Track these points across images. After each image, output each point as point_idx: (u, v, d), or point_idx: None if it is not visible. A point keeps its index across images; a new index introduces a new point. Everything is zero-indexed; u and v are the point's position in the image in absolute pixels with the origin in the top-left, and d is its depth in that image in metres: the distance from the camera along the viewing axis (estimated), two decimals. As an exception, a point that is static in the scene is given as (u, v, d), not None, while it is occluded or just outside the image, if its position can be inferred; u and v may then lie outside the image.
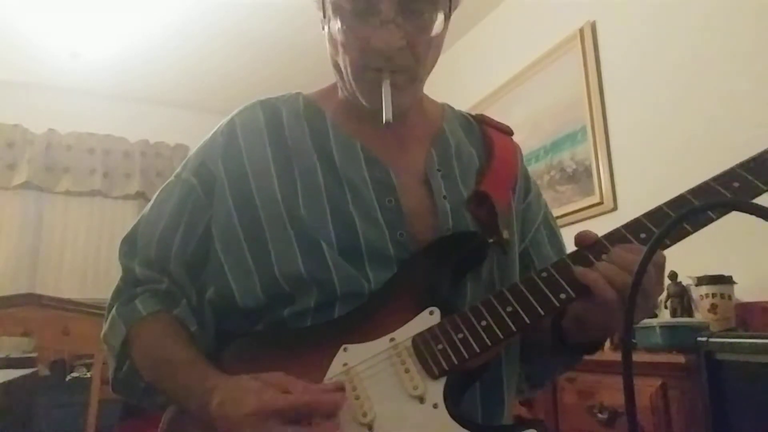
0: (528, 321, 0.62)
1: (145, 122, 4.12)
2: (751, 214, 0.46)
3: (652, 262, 0.61)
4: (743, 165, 0.67)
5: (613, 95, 2.29)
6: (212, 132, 0.83)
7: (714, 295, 1.59)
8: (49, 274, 3.73)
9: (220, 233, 0.75)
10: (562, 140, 2.53)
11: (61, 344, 2.96)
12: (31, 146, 3.80)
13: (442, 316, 0.65)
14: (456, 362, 0.62)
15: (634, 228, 0.66)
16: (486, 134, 0.86)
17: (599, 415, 1.50)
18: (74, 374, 2.82)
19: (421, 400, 0.61)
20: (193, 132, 4.06)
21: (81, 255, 3.83)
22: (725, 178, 0.67)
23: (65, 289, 3.60)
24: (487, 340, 0.62)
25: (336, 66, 0.77)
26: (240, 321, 0.73)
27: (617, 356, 1.26)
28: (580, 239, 0.66)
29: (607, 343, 1.79)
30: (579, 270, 0.63)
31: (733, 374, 1.19)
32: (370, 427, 0.60)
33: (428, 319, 0.66)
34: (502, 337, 0.62)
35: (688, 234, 0.65)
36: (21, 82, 3.77)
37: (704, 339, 1.26)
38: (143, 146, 4.13)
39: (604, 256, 0.63)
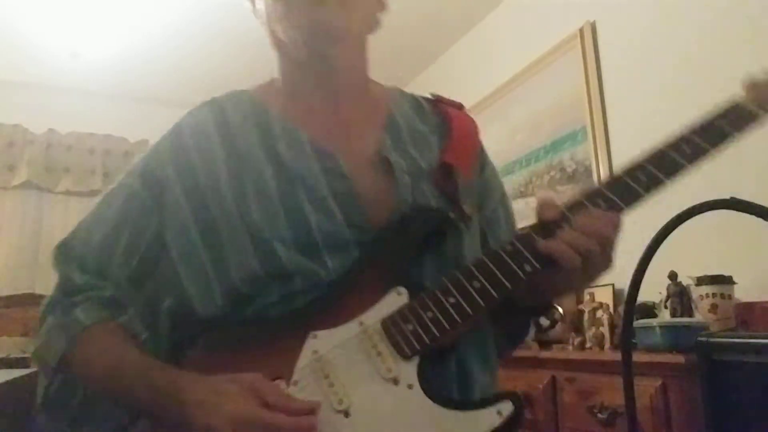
0: (496, 296, 0.63)
1: (145, 122, 4.11)
2: (751, 213, 0.46)
3: (613, 224, 0.65)
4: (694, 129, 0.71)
5: (613, 95, 2.29)
6: (159, 139, 0.81)
7: (714, 295, 1.59)
8: (49, 274, 3.65)
9: (176, 241, 0.73)
10: (562, 140, 2.53)
11: (61, 344, 2.96)
12: (31, 146, 3.80)
13: (410, 295, 0.65)
14: (427, 341, 0.62)
15: (592, 195, 0.67)
16: (442, 111, 0.85)
17: (599, 415, 1.50)
18: (74, 374, 2.82)
19: (395, 381, 0.61)
20: (193, 132, 4.08)
21: (81, 255, 3.83)
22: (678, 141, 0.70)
23: (65, 289, 3.60)
24: (457, 317, 0.62)
25: (275, 37, 0.77)
26: (200, 328, 0.71)
27: (617, 356, 1.26)
28: (541, 212, 0.67)
29: (607, 343, 1.80)
30: (543, 243, 0.64)
31: (733, 374, 1.19)
32: (346, 413, 0.60)
33: (396, 299, 0.65)
34: (471, 313, 0.63)
35: (641, 197, 0.67)
36: (21, 82, 3.77)
37: (704, 339, 1.26)
38: (143, 146, 4.12)
39: (564, 224, 0.64)
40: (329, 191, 0.71)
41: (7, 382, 1.57)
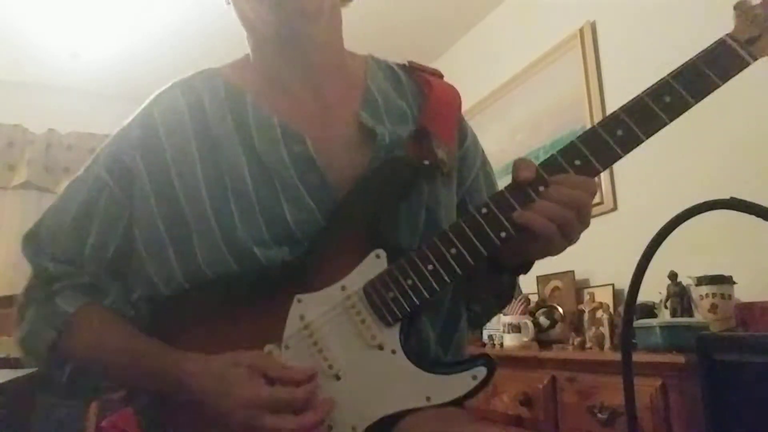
0: (472, 262, 0.64)
1: (145, 122, 4.12)
2: (751, 213, 0.46)
3: (590, 191, 0.64)
4: (675, 77, 0.66)
5: (613, 95, 2.29)
6: (127, 122, 0.78)
7: (714, 295, 1.59)
8: (49, 274, 3.73)
9: (142, 232, 0.72)
10: (562, 140, 2.52)
11: (61, 344, 2.95)
12: (31, 146, 3.80)
13: (389, 259, 0.66)
14: (408, 309, 0.65)
15: (569, 153, 0.64)
16: (419, 78, 0.83)
17: (599, 415, 1.50)
18: (74, 374, 2.82)
19: (380, 347, 0.65)
20: (193, 132, 4.08)
21: (81, 255, 3.82)
22: (657, 92, 0.66)
23: (65, 289, 3.60)
24: (435, 285, 0.64)
25: (245, 17, 0.75)
26: (177, 303, 0.71)
27: (617, 356, 1.26)
28: (517, 172, 0.65)
29: (607, 343, 1.79)
30: (518, 214, 0.63)
31: (733, 374, 1.19)
32: (337, 377, 0.65)
33: (376, 263, 0.66)
34: (448, 280, 0.64)
35: (618, 157, 0.65)
36: (21, 82, 3.77)
37: (704, 339, 1.26)
38: (143, 146, 4.13)
39: (541, 188, 0.63)
40: (302, 184, 0.70)
41: (7, 382, 1.57)
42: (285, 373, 0.62)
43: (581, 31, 2.44)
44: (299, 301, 0.67)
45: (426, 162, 0.71)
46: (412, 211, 0.72)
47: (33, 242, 0.78)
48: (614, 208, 2.20)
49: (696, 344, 1.26)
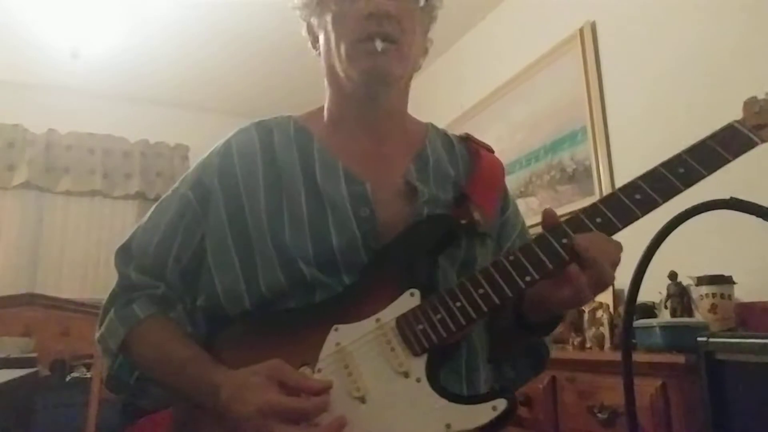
0: (497, 301, 0.68)
1: (145, 122, 4.12)
2: (751, 213, 0.46)
3: (611, 262, 0.69)
4: (688, 152, 0.74)
5: (613, 95, 2.29)
6: (209, 151, 0.89)
7: (714, 295, 1.59)
8: (49, 274, 3.73)
9: (213, 245, 0.81)
10: (562, 140, 2.53)
11: (61, 344, 2.97)
12: (31, 146, 3.80)
13: (422, 297, 0.71)
14: (435, 341, 0.68)
15: (591, 213, 0.71)
16: (470, 148, 0.93)
17: (599, 415, 1.50)
18: (74, 374, 2.82)
19: (406, 375, 0.68)
20: (193, 132, 4.08)
21: (81, 255, 3.82)
22: (672, 164, 0.73)
23: (65, 289, 3.60)
24: (462, 320, 0.69)
25: (332, 71, 0.84)
26: (230, 322, 0.79)
27: (617, 356, 1.26)
28: (546, 218, 0.71)
29: (607, 343, 1.80)
30: (568, 240, 0.68)
31: (733, 374, 1.19)
32: (362, 400, 0.67)
33: (409, 300, 0.72)
34: (475, 317, 0.69)
35: (637, 217, 0.71)
36: (21, 82, 3.77)
37: (704, 339, 1.26)
38: (143, 146, 4.13)
39: (564, 241, 0.69)
40: (353, 215, 0.78)
41: (7, 382, 1.58)
42: (300, 382, 0.66)
43: (581, 31, 2.44)
44: (336, 330, 0.72)
45: (463, 221, 0.79)
46: (448, 263, 0.79)
47: (124, 254, 0.87)
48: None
49: (696, 344, 1.26)
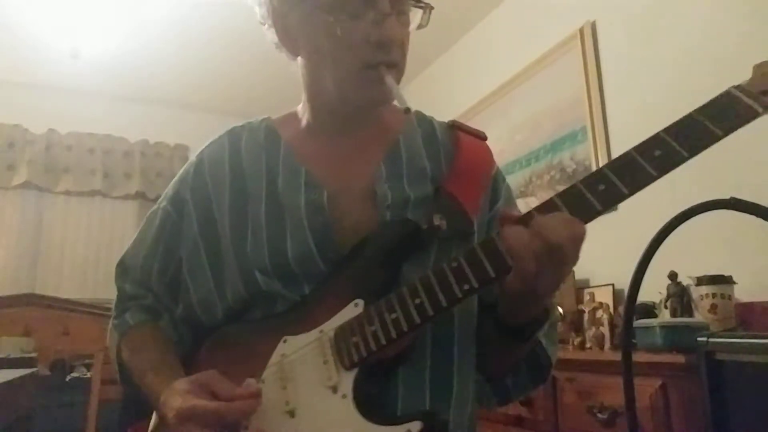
0: (432, 313, 0.63)
1: (145, 122, 4.12)
2: (751, 213, 0.46)
3: (573, 237, 0.59)
4: (668, 130, 0.64)
5: (613, 95, 2.29)
6: (187, 162, 0.90)
7: (714, 295, 1.59)
8: (49, 274, 3.73)
9: (188, 257, 0.83)
10: (562, 140, 2.53)
11: (61, 344, 2.96)
12: (31, 146, 3.80)
13: (366, 307, 0.67)
14: (365, 355, 0.65)
15: (546, 208, 0.63)
16: (454, 138, 0.85)
17: (599, 415, 1.50)
18: (74, 374, 2.82)
19: (334, 390, 0.65)
20: (193, 132, 4.07)
21: (81, 255, 3.83)
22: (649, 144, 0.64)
23: (65, 289, 3.60)
24: (393, 333, 0.64)
25: (318, 84, 0.79)
26: (205, 333, 0.82)
27: (617, 356, 1.26)
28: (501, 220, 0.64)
29: (607, 343, 1.80)
30: (503, 239, 0.60)
31: (733, 374, 1.19)
32: (292, 414, 0.66)
33: (353, 310, 0.69)
34: (406, 329, 0.64)
35: (624, 197, 0.63)
36: (21, 82, 3.77)
37: (704, 339, 1.25)
38: (143, 146, 4.13)
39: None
40: (307, 224, 0.75)
41: (7, 382, 1.57)
42: (229, 391, 0.65)
43: (581, 31, 2.44)
44: (285, 341, 0.71)
45: (424, 225, 0.72)
46: (416, 270, 0.71)
47: (120, 268, 0.90)
48: (614, 208, 2.20)
49: (696, 344, 1.26)
